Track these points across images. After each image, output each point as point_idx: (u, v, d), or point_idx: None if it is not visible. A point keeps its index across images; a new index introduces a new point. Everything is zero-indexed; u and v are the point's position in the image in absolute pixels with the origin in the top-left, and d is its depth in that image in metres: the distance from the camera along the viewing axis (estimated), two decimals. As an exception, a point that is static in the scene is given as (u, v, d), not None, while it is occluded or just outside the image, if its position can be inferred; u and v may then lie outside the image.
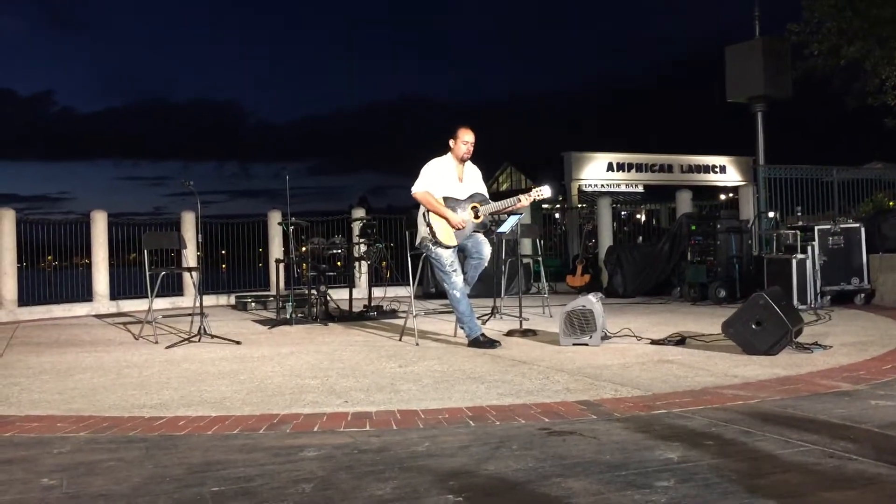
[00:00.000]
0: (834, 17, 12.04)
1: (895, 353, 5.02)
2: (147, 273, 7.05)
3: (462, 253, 5.94)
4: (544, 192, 5.87)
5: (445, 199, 5.82)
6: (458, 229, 5.77)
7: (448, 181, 5.87)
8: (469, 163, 6.00)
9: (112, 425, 3.50)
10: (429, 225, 5.79)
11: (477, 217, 5.86)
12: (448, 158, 5.94)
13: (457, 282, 5.79)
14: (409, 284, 6.47)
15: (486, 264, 5.93)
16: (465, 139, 5.87)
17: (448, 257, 5.80)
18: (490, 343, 5.73)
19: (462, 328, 5.92)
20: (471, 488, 2.44)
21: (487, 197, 6.00)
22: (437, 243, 5.78)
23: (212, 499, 2.40)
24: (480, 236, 5.92)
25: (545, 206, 16.49)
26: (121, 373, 5.09)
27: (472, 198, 5.89)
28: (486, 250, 5.89)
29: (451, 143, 5.91)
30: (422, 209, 5.85)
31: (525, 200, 5.85)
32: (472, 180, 6.01)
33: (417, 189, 5.84)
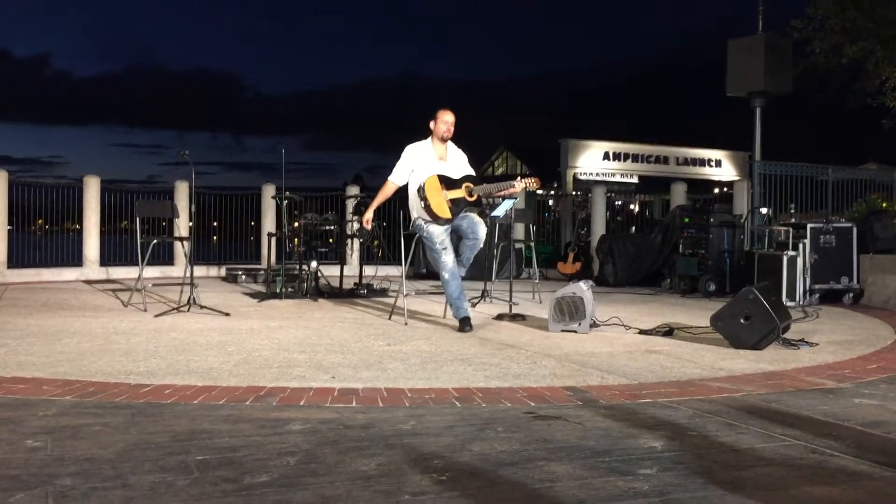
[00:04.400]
0: (838, 14, 12.01)
1: (881, 354, 5.05)
2: (138, 241, 7.02)
3: (457, 234, 5.93)
4: (536, 183, 5.99)
5: (439, 177, 5.81)
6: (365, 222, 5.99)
7: (428, 161, 5.88)
8: (453, 145, 6.03)
9: (98, 390, 3.50)
10: (424, 199, 5.76)
11: (471, 196, 5.87)
12: (427, 142, 5.97)
13: (447, 261, 5.76)
14: (400, 264, 6.46)
15: (481, 245, 5.91)
16: (445, 119, 5.88)
17: (439, 235, 5.78)
18: (463, 326, 5.72)
19: (451, 307, 5.92)
20: (454, 468, 2.45)
21: (472, 172, 6.06)
22: (432, 219, 5.76)
23: (196, 467, 2.41)
24: (476, 216, 5.92)
25: (539, 192, 16.49)
26: (108, 339, 5.08)
27: (466, 178, 5.91)
28: (482, 230, 5.85)
29: (431, 124, 5.94)
30: (415, 187, 5.86)
31: (518, 185, 5.92)
32: (457, 162, 6.01)
33: (389, 178, 6.02)
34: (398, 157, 6.02)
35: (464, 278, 6.00)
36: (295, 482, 2.29)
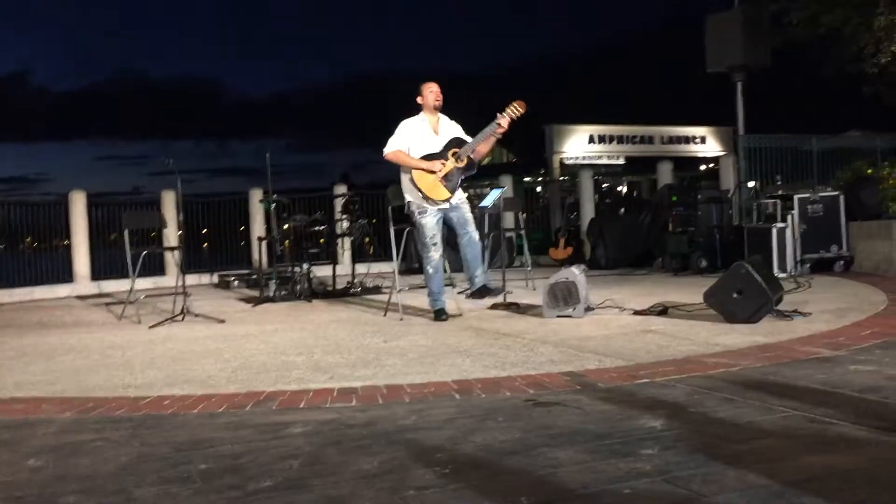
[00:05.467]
0: (812, -17, 12.02)
1: (874, 320, 5.08)
2: (128, 253, 7.00)
3: (448, 226, 5.92)
4: (521, 106, 5.59)
5: (423, 156, 5.78)
6: (435, 172, 5.69)
7: (422, 136, 5.84)
8: (445, 117, 5.95)
9: (97, 406, 3.49)
10: (413, 184, 5.76)
11: (459, 161, 5.75)
12: (420, 116, 5.92)
13: (433, 256, 5.81)
14: (392, 260, 6.46)
15: (477, 239, 5.88)
16: (430, 88, 5.85)
17: (430, 228, 5.78)
18: (439, 316, 5.85)
19: (429, 297, 6.00)
20: (458, 460, 2.46)
21: (468, 140, 5.84)
22: (421, 210, 5.75)
23: (199, 477, 2.41)
24: (465, 209, 5.87)
25: (527, 179, 16.50)
26: (104, 353, 5.07)
27: (448, 146, 5.79)
28: (471, 227, 5.86)
29: (419, 99, 5.90)
30: (406, 174, 5.83)
31: (504, 122, 5.59)
32: (451, 133, 5.90)
33: (387, 150, 5.87)
34: (387, 141, 5.92)
35: (455, 270, 6.00)
36: (299, 485, 2.30)
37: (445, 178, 5.74)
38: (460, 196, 5.90)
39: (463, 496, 2.15)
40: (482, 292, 5.88)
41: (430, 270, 5.86)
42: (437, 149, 5.81)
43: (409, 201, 5.87)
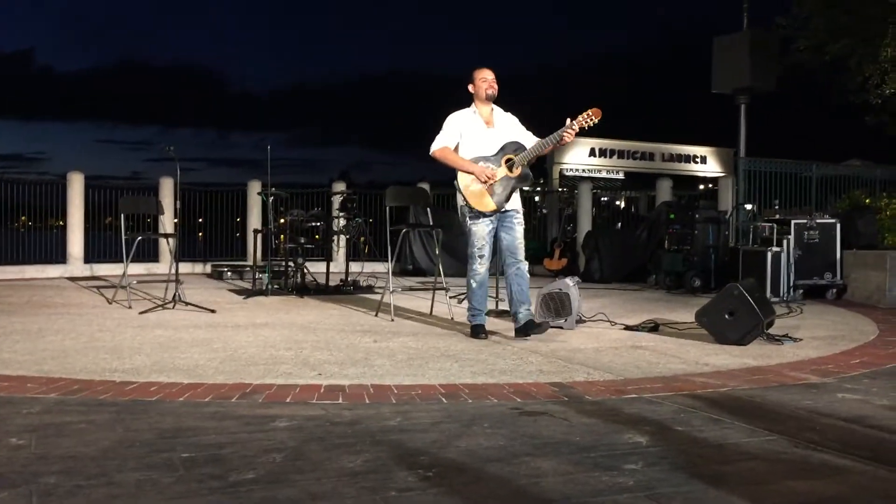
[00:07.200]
0: (823, 12, 12.08)
1: (863, 349, 5.10)
2: (123, 237, 6.98)
3: (495, 241, 5.27)
4: (595, 114, 4.89)
5: (474, 159, 5.16)
6: (486, 182, 5.06)
7: (474, 129, 5.21)
8: (500, 109, 5.32)
9: (83, 388, 3.48)
10: (459, 190, 5.18)
11: (513, 171, 5.10)
12: (471, 108, 5.29)
13: (479, 270, 5.20)
14: (386, 260, 6.46)
15: (526, 269, 5.24)
16: (484, 76, 5.22)
17: (481, 238, 5.16)
18: (477, 333, 5.24)
19: (468, 311, 5.42)
20: (441, 464, 2.45)
21: (528, 142, 5.18)
22: (474, 214, 5.15)
23: (182, 465, 2.40)
24: (518, 231, 5.23)
25: (525, 188, 16.53)
26: (93, 336, 5.06)
27: (503, 150, 5.15)
28: (521, 252, 5.23)
29: (470, 87, 5.28)
30: (458, 175, 5.22)
31: (572, 130, 4.90)
32: (506, 126, 5.27)
33: (434, 147, 5.25)
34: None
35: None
36: (281, 479, 2.29)
37: (493, 188, 5.12)
38: (515, 203, 5.25)
39: (445, 501, 2.14)
40: (527, 328, 5.13)
41: (474, 284, 5.23)
42: (490, 146, 5.17)
43: (461, 204, 5.24)
